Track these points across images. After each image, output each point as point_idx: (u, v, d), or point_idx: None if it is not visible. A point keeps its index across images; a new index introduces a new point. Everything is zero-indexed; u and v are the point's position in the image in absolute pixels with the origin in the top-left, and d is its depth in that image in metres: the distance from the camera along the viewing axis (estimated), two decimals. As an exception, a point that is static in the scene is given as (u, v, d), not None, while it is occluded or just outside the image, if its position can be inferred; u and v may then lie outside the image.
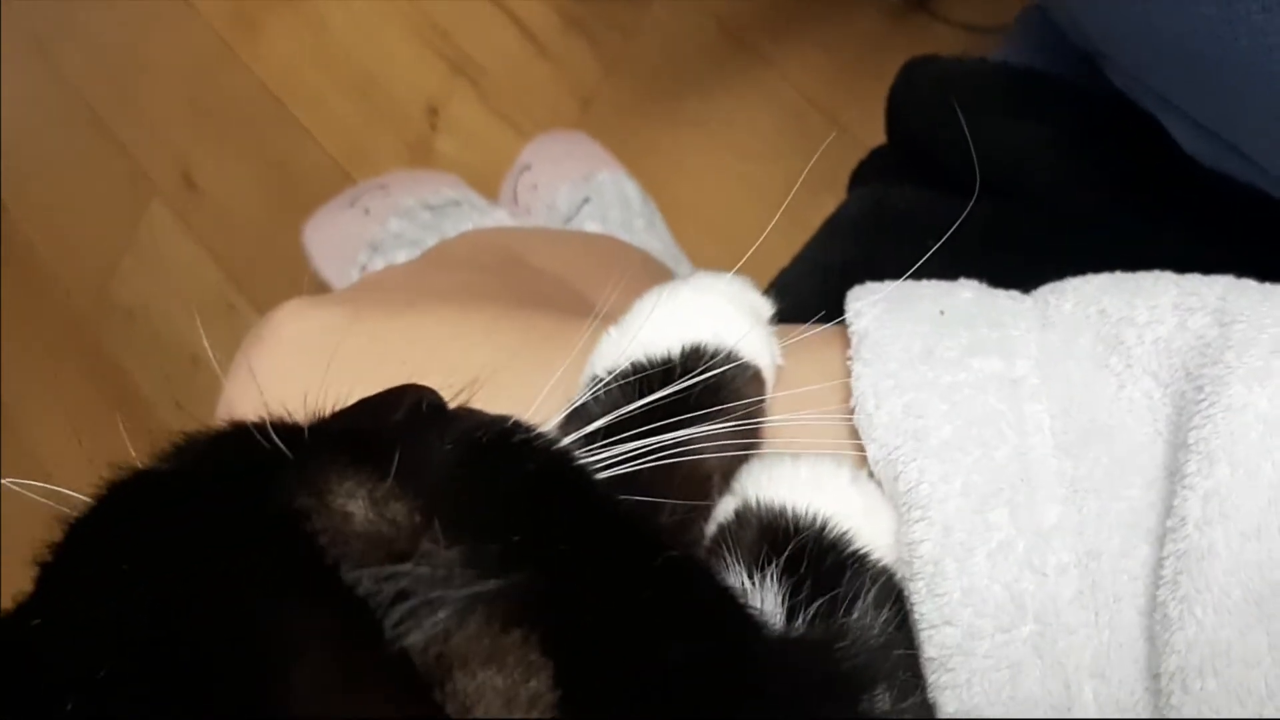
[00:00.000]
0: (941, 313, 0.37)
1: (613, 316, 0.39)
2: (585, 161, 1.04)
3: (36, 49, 1.43)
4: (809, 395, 0.37)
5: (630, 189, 1.03)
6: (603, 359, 0.38)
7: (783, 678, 0.28)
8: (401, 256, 1.02)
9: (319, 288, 1.12)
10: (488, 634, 0.23)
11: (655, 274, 0.65)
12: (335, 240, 1.09)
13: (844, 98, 1.01)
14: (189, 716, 0.21)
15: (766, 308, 0.40)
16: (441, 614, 0.22)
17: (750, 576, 0.32)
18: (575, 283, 0.54)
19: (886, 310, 0.37)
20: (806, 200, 1.01)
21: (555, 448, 0.32)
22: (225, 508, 0.25)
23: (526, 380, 0.38)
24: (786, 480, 0.35)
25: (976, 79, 0.57)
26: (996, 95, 0.55)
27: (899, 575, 0.33)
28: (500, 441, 0.30)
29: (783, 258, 0.67)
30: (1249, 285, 0.34)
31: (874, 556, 0.33)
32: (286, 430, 0.27)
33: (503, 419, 0.32)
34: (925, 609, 0.31)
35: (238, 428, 0.28)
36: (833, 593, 0.32)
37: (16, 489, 0.33)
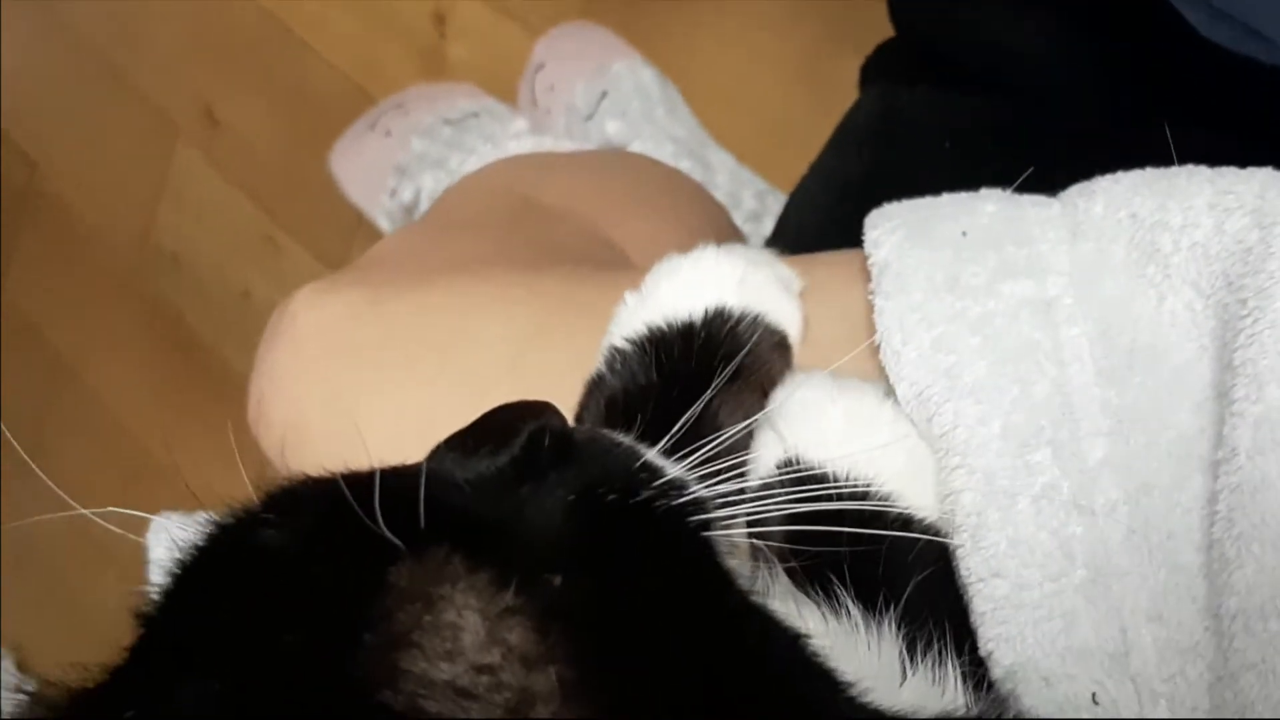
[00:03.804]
0: (964, 234, 0.35)
1: (635, 251, 0.38)
2: (598, 54, 1.00)
3: (39, 2, 1.41)
4: (833, 342, 0.36)
5: (647, 76, 0.99)
6: (621, 328, 0.37)
7: None
8: (428, 178, 1.01)
9: (357, 216, 1.12)
10: None
11: (683, 193, 0.63)
12: (362, 168, 1.08)
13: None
14: None
15: (795, 280, 0.38)
16: None
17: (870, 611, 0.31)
18: (595, 220, 0.52)
19: (906, 237, 0.35)
20: (828, 64, 0.97)
21: (687, 511, 0.28)
22: (325, 615, 0.23)
23: (540, 360, 0.38)
24: (826, 433, 0.34)
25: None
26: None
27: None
28: (627, 501, 0.27)
29: (811, 128, 0.64)
30: None
31: (918, 518, 0.32)
32: (396, 501, 0.24)
33: (629, 458, 0.29)
34: (971, 562, 0.31)
35: (338, 494, 0.24)
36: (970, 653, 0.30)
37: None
